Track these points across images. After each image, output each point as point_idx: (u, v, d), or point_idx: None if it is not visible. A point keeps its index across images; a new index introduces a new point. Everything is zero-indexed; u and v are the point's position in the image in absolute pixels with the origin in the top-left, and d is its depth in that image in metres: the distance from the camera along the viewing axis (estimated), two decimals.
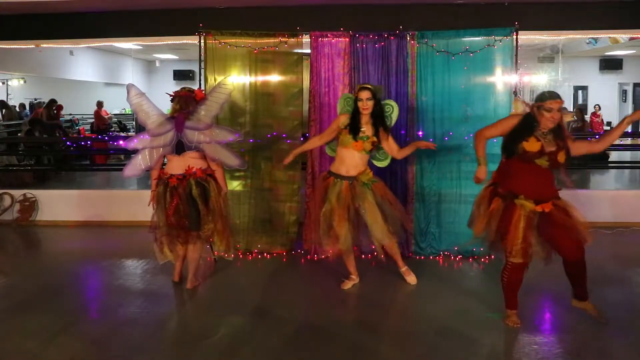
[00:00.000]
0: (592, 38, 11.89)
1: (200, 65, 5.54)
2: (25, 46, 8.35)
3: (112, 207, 6.81)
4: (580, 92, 17.61)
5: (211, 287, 4.75)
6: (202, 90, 4.46)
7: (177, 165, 4.30)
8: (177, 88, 4.61)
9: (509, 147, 3.61)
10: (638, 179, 9.17)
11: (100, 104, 13.54)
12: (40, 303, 4.27)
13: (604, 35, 9.60)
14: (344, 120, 4.38)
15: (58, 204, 6.98)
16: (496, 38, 5.29)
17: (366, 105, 4.29)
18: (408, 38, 5.37)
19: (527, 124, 3.58)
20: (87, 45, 11.38)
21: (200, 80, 5.55)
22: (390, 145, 4.45)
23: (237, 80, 5.57)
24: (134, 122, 14.85)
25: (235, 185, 5.63)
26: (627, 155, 11.16)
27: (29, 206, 6.94)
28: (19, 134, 10.68)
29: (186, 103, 4.31)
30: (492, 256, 5.19)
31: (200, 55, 5.55)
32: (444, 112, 5.38)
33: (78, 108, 15.17)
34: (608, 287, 4.58)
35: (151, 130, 4.30)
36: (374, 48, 5.40)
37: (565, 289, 4.22)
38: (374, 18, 6.10)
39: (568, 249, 3.59)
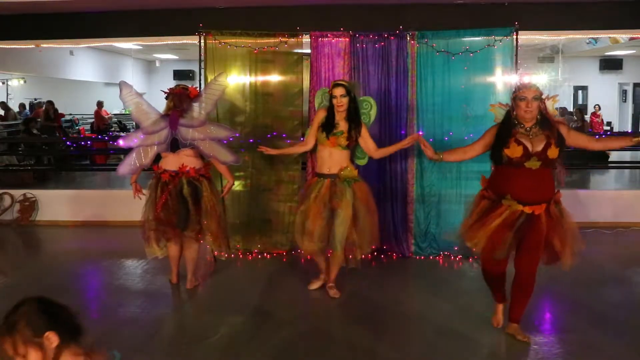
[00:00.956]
0: (592, 38, 11.88)
1: (200, 65, 5.54)
2: (25, 46, 8.36)
3: (112, 207, 6.81)
4: (580, 92, 17.61)
5: (211, 287, 4.75)
6: (196, 88, 4.46)
7: (171, 162, 4.31)
8: None
9: (494, 157, 3.44)
10: (638, 179, 9.18)
11: (100, 104, 13.55)
12: None
13: (604, 35, 9.60)
14: (322, 115, 4.28)
15: (58, 204, 6.98)
16: (496, 38, 5.29)
17: (340, 102, 4.18)
18: (408, 38, 5.37)
19: (504, 126, 3.40)
20: (87, 45, 11.39)
21: (200, 80, 5.55)
22: (367, 143, 4.30)
23: (237, 80, 5.58)
24: (134, 122, 14.84)
25: (235, 185, 5.62)
26: (627, 155, 11.16)
27: (29, 206, 6.94)
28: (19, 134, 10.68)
29: (180, 101, 4.32)
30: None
31: (200, 55, 5.55)
32: (444, 112, 5.37)
33: (78, 108, 15.17)
34: (608, 287, 4.58)
35: (146, 128, 4.31)
36: (374, 48, 5.40)
37: (566, 289, 4.23)
38: (374, 18, 6.09)
39: (521, 259, 3.38)
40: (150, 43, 10.00)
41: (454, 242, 5.19)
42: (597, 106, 14.99)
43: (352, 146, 4.29)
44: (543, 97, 3.36)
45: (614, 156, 9.68)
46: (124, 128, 14.75)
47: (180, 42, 7.21)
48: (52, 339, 1.64)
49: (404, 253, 5.43)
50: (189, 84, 5.06)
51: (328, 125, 4.21)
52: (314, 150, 4.49)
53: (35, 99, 14.18)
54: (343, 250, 4.20)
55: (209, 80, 5.48)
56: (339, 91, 4.18)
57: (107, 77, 15.57)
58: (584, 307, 4.10)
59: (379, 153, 4.37)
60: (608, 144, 3.63)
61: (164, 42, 8.28)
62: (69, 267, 5.24)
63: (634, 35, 8.77)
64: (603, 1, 6.18)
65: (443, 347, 3.54)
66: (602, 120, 14.83)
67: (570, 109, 14.72)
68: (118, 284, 4.75)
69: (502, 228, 3.29)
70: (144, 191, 4.44)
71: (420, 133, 4.55)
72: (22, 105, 14.01)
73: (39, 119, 11.24)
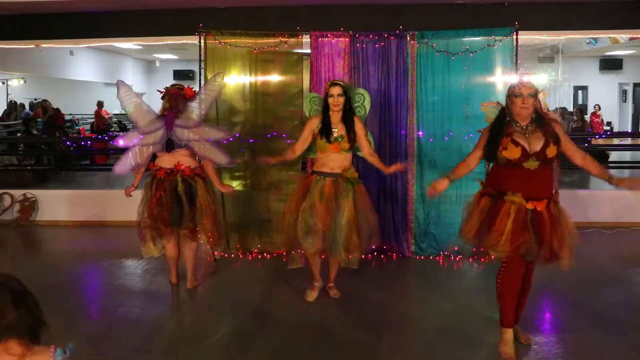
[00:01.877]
0: (592, 38, 11.88)
1: (200, 65, 5.54)
2: (25, 46, 8.35)
3: (112, 207, 6.81)
4: (580, 92, 17.61)
5: (211, 287, 4.75)
6: (192, 88, 4.48)
7: (167, 161, 4.33)
8: None
9: (489, 157, 3.32)
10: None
11: (100, 104, 13.55)
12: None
13: (604, 35, 9.60)
14: (316, 123, 4.13)
15: (58, 204, 6.98)
16: (496, 38, 5.29)
17: (337, 101, 4.05)
18: (408, 38, 5.37)
19: (497, 125, 3.29)
20: (87, 45, 11.39)
21: (200, 80, 5.55)
22: (361, 143, 4.17)
23: (237, 80, 5.58)
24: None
25: (235, 185, 5.63)
26: (627, 155, 11.16)
27: (29, 206, 6.94)
28: (18, 134, 10.68)
29: (176, 101, 4.33)
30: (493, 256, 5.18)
31: (200, 55, 5.55)
32: (444, 112, 5.38)
33: (78, 108, 15.17)
34: (608, 287, 4.58)
35: (142, 128, 4.32)
36: (374, 48, 5.40)
37: (566, 289, 4.23)
38: (374, 18, 6.09)
39: (540, 256, 3.22)
40: (150, 43, 10.01)
41: (456, 243, 5.19)
42: (597, 106, 15.00)
43: (354, 146, 4.19)
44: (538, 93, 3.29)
45: (614, 156, 9.68)
46: (124, 128, 14.74)
47: (180, 42, 7.21)
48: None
49: (404, 253, 5.43)
50: (189, 84, 5.07)
51: (326, 130, 4.07)
52: (309, 152, 4.42)
53: (35, 99, 14.18)
54: (345, 251, 4.06)
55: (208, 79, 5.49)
56: (336, 90, 4.06)
57: (107, 77, 15.57)
58: (584, 307, 4.10)
59: (372, 159, 4.24)
60: (588, 166, 3.32)
61: (164, 42, 8.28)
62: (69, 267, 5.24)
63: (634, 35, 8.77)
64: (603, 1, 6.18)
65: (443, 347, 3.54)
66: (602, 120, 14.83)
67: (570, 109, 14.71)
68: (118, 284, 4.75)
69: (518, 227, 3.14)
70: (140, 191, 4.45)
71: (400, 166, 4.33)
72: (21, 105, 14.01)
73: (39, 119, 11.25)
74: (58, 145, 9.24)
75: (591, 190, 7.88)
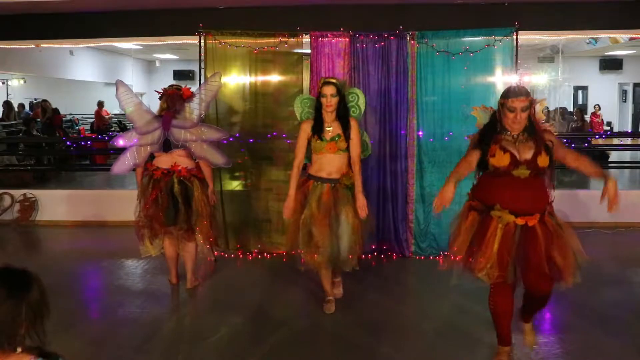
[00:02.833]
0: (592, 38, 11.87)
1: (200, 65, 5.54)
2: (25, 46, 8.35)
3: (112, 207, 6.80)
4: (580, 92, 17.59)
5: (211, 287, 4.75)
6: (189, 88, 4.49)
7: (164, 161, 4.34)
8: None
9: (480, 166, 3.12)
10: (638, 179, 9.17)
11: (100, 104, 13.54)
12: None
13: (604, 35, 9.59)
14: (310, 125, 3.94)
15: (58, 204, 6.98)
16: (496, 38, 5.30)
17: (330, 102, 3.84)
18: (408, 38, 5.37)
19: (487, 131, 3.12)
20: (87, 45, 11.37)
21: (200, 80, 5.55)
22: (353, 147, 3.91)
23: (237, 80, 5.58)
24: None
25: (235, 185, 5.63)
26: (627, 155, 11.16)
27: (29, 206, 6.94)
28: (19, 134, 10.67)
29: (173, 102, 4.35)
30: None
31: (200, 55, 5.55)
32: (444, 112, 5.38)
33: (78, 108, 15.15)
34: (608, 287, 4.58)
35: (139, 129, 4.33)
36: (374, 48, 5.40)
37: (565, 289, 4.22)
38: (374, 18, 6.09)
39: (531, 277, 3.01)
40: (150, 43, 9.99)
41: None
42: (597, 106, 14.98)
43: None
44: (535, 101, 3.10)
45: (614, 156, 9.68)
46: (124, 128, 14.72)
47: (180, 42, 7.20)
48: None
49: (404, 253, 5.43)
50: (189, 84, 5.07)
51: (319, 130, 3.89)
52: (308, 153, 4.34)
53: (35, 99, 14.16)
54: (349, 257, 3.92)
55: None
56: (329, 90, 3.84)
57: (107, 77, 15.55)
58: (584, 307, 4.10)
59: (356, 166, 3.92)
60: (582, 167, 3.09)
61: (164, 42, 8.27)
62: (69, 267, 5.24)
63: (634, 35, 8.76)
64: (603, 1, 6.18)
65: (443, 347, 3.55)
66: (602, 120, 14.82)
67: (570, 109, 14.70)
68: (118, 284, 4.75)
69: (504, 249, 2.97)
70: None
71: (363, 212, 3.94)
72: (21, 105, 14.00)
73: (39, 119, 11.24)
74: (58, 145, 9.23)
75: (591, 190, 7.86)
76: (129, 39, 8.39)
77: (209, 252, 4.91)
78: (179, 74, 17.69)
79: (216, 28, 5.55)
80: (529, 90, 3.05)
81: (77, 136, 12.10)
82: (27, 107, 13.98)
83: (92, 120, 14.00)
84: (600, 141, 10.56)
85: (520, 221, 2.97)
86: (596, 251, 5.43)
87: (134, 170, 4.47)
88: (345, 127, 3.91)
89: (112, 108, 15.38)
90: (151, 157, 4.40)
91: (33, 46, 8.06)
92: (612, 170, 9.41)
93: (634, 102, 17.59)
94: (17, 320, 1.56)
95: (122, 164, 4.42)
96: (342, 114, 3.93)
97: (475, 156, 3.13)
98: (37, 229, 6.80)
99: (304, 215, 3.86)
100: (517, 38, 5.33)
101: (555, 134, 3.35)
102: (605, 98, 16.62)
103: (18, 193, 7.01)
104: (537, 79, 13.11)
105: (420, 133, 5.41)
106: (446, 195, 3.01)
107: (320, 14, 6.11)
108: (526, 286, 3.09)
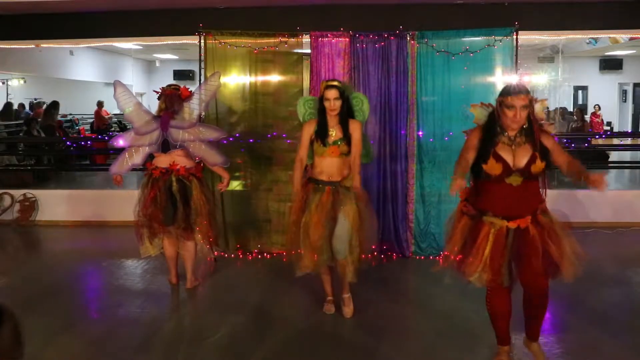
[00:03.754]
0: (592, 38, 11.87)
1: (200, 65, 5.54)
2: (25, 46, 8.35)
3: (111, 207, 6.81)
4: (580, 92, 17.59)
5: (211, 287, 4.75)
6: (188, 88, 4.50)
7: (163, 161, 4.35)
8: None
9: (473, 169, 3.04)
10: (638, 179, 9.17)
11: (100, 104, 13.54)
12: (40, 303, 4.27)
13: (604, 35, 9.59)
14: (313, 126, 3.86)
15: (58, 204, 6.98)
16: (496, 38, 5.30)
17: (333, 105, 3.77)
18: (408, 38, 5.37)
19: (487, 134, 3.02)
20: (87, 45, 11.37)
21: (200, 80, 5.55)
22: (354, 145, 3.84)
23: (237, 80, 5.58)
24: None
25: (235, 185, 5.63)
26: (627, 155, 11.16)
27: (29, 206, 6.94)
28: (20, 134, 10.66)
29: (171, 102, 4.36)
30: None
31: (200, 55, 5.55)
32: (444, 112, 5.38)
33: (78, 108, 15.15)
34: (608, 287, 4.58)
35: (138, 129, 4.34)
36: (374, 48, 5.40)
37: (565, 289, 4.22)
38: (374, 18, 6.09)
39: (528, 276, 2.99)
40: (150, 43, 9.99)
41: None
42: (597, 106, 14.99)
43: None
44: (535, 100, 3.04)
45: (614, 156, 9.68)
46: (124, 128, 14.70)
47: (180, 42, 7.21)
48: None
49: (404, 253, 5.43)
50: (189, 84, 5.07)
51: (322, 134, 3.81)
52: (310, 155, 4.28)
53: (35, 99, 14.16)
54: (348, 260, 3.85)
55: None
56: (332, 94, 3.77)
57: (107, 77, 15.54)
58: (584, 307, 4.11)
59: (356, 161, 3.86)
60: (571, 169, 3.04)
61: (164, 42, 8.27)
62: (69, 267, 5.24)
63: (634, 35, 8.76)
64: (603, 1, 6.18)
65: (443, 347, 3.54)
66: (602, 120, 14.83)
67: (570, 109, 14.70)
68: (118, 284, 4.75)
69: (497, 253, 2.97)
70: (137, 190, 4.48)
71: None
72: (21, 105, 14.00)
73: (40, 119, 11.22)
74: (58, 145, 9.23)
75: (591, 190, 7.87)
76: (129, 39, 8.39)
77: (208, 251, 4.92)
78: (179, 74, 17.68)
79: (216, 28, 5.55)
80: (528, 88, 2.99)
81: (77, 136, 12.09)
82: (27, 107, 13.98)
83: (92, 120, 13.99)
84: (600, 141, 10.57)
85: (512, 225, 2.96)
86: (596, 251, 5.43)
87: (133, 170, 4.48)
88: (347, 130, 3.84)
89: (112, 108, 15.38)
90: (150, 156, 4.41)
91: (33, 46, 8.06)
92: (612, 171, 9.44)
93: (634, 102, 17.58)
94: None
95: (121, 165, 4.43)
96: (345, 118, 3.86)
97: (471, 155, 3.04)
98: (37, 229, 6.80)
99: (304, 219, 3.80)
100: (517, 38, 5.33)
101: (553, 132, 3.28)
102: (605, 98, 16.61)
103: (18, 193, 7.01)
104: (537, 79, 13.11)
105: (420, 133, 5.41)
106: (458, 185, 2.89)
107: (320, 14, 6.11)
108: (523, 285, 3.06)
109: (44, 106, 12.11)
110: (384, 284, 4.68)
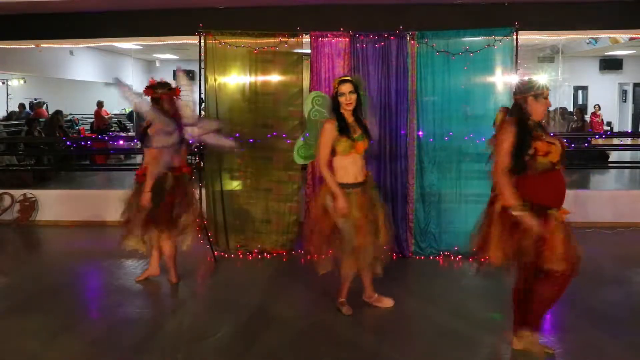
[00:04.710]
0: (592, 38, 11.88)
1: (200, 65, 5.54)
2: (25, 46, 8.35)
3: (112, 207, 6.76)
4: (580, 92, 17.59)
5: (211, 287, 4.75)
6: (177, 87, 4.54)
7: (176, 161, 4.39)
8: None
9: (520, 166, 3.05)
10: (638, 179, 9.17)
11: (100, 104, 13.54)
12: (40, 303, 4.27)
13: (604, 35, 9.60)
14: (335, 125, 3.74)
15: (58, 204, 6.99)
16: (496, 38, 5.29)
17: (349, 99, 3.72)
18: (408, 38, 5.37)
19: (523, 129, 3.07)
20: (87, 45, 11.38)
21: (200, 80, 5.55)
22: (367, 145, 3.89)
23: (237, 80, 5.58)
24: (134, 122, 14.85)
25: (235, 185, 5.63)
26: (627, 155, 11.16)
27: (29, 206, 6.94)
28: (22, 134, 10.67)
29: (173, 104, 4.40)
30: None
31: (200, 55, 5.54)
32: (444, 112, 5.38)
33: (78, 108, 15.15)
34: (608, 287, 4.58)
35: (161, 130, 4.25)
36: (374, 48, 5.40)
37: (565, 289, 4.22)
38: (374, 18, 6.10)
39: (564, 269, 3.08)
40: (150, 43, 9.98)
41: (456, 243, 5.22)
42: (597, 106, 14.99)
43: None
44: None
45: (614, 156, 9.69)
46: (124, 128, 14.74)
47: (180, 42, 7.21)
48: None
49: (404, 253, 5.43)
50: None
51: (347, 129, 3.73)
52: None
53: (35, 99, 14.17)
54: (371, 264, 3.91)
55: (209, 80, 5.49)
56: (347, 87, 3.72)
57: (107, 77, 15.52)
58: (584, 307, 4.10)
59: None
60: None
61: (164, 42, 8.27)
62: (69, 267, 5.24)
63: (634, 35, 8.77)
64: (603, 1, 6.18)
65: (443, 347, 3.54)
66: (602, 120, 14.83)
67: (570, 109, 14.71)
68: (118, 284, 4.75)
69: (567, 240, 3.05)
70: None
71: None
72: (22, 105, 14.01)
73: (42, 119, 11.23)
74: (58, 145, 9.23)
75: (591, 190, 7.89)
76: (129, 39, 8.40)
77: (209, 251, 4.92)
78: None
79: (216, 28, 5.54)
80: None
81: (77, 136, 12.09)
82: (27, 107, 13.99)
83: (92, 120, 14.00)
84: (600, 141, 10.58)
85: (563, 214, 3.06)
86: (596, 251, 5.44)
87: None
88: (363, 125, 3.82)
89: (112, 108, 15.40)
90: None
91: (33, 46, 8.05)
92: (612, 170, 9.44)
93: (634, 102, 17.59)
94: None
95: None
96: (358, 113, 3.82)
97: (508, 159, 3.06)
98: (37, 229, 6.80)
99: (347, 225, 3.71)
100: (517, 38, 5.33)
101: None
102: (605, 98, 16.62)
103: (18, 193, 7.01)
104: (537, 79, 13.09)
105: (420, 133, 5.41)
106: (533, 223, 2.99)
107: (320, 14, 6.12)
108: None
109: (48, 113, 12.09)
110: (384, 284, 4.68)
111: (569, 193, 3.24)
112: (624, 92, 17.70)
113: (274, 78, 5.56)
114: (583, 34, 7.73)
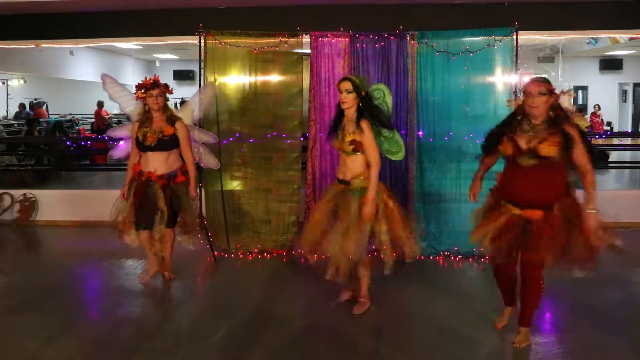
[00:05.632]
0: (592, 38, 11.89)
1: (200, 65, 5.54)
2: (25, 46, 8.36)
3: (112, 207, 6.79)
4: (580, 92, 17.60)
5: (211, 287, 4.75)
6: (167, 85, 4.55)
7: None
8: (178, 88, 4.69)
9: (488, 149, 3.40)
10: (638, 179, 9.17)
11: (100, 104, 13.55)
12: (40, 303, 4.27)
13: (604, 35, 9.60)
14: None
15: (58, 204, 6.98)
16: (496, 38, 5.29)
17: (345, 98, 3.73)
18: (408, 38, 5.37)
19: (506, 120, 3.32)
20: (87, 45, 11.40)
21: (200, 80, 5.55)
22: (367, 148, 3.74)
23: (237, 80, 5.58)
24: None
25: (235, 185, 5.63)
26: (627, 155, 11.16)
27: (29, 206, 6.94)
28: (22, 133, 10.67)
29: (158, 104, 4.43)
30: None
31: (200, 55, 5.54)
32: (443, 112, 5.38)
33: (78, 108, 15.16)
34: (608, 287, 4.57)
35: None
36: (374, 48, 5.40)
37: (566, 289, 4.22)
38: (374, 18, 6.10)
39: (522, 262, 3.29)
40: (150, 43, 10.00)
41: (455, 243, 5.23)
42: (597, 106, 15.00)
43: (360, 151, 3.78)
44: (557, 92, 3.20)
45: (614, 156, 9.68)
46: None
47: (180, 42, 7.21)
48: None
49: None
50: (189, 83, 5.09)
51: (334, 125, 3.89)
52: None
53: (35, 99, 14.18)
54: (362, 263, 3.94)
55: (207, 80, 5.48)
56: (344, 85, 3.74)
57: None
58: (584, 307, 4.11)
59: (371, 169, 3.75)
60: (587, 183, 3.26)
61: (164, 42, 8.28)
62: (69, 267, 5.24)
63: (634, 35, 8.77)
64: (603, 1, 6.18)
65: (443, 347, 3.54)
66: (602, 120, 14.84)
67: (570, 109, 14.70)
68: (118, 284, 4.75)
69: (503, 231, 3.23)
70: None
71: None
72: (22, 105, 14.01)
73: (42, 119, 11.23)
74: (58, 145, 9.23)
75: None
76: (129, 39, 8.41)
77: (209, 251, 4.92)
78: (179, 74, 17.69)
79: (216, 28, 5.54)
80: (549, 81, 3.21)
81: (77, 136, 12.09)
82: (27, 107, 14.00)
83: (92, 120, 14.00)
84: (600, 141, 10.56)
85: (524, 213, 3.19)
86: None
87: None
88: (357, 130, 3.74)
89: (112, 108, 15.39)
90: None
91: (33, 46, 8.07)
92: (612, 170, 9.43)
93: (634, 102, 17.59)
94: None
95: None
96: (358, 116, 3.75)
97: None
98: (37, 229, 6.79)
99: (315, 217, 3.95)
100: (517, 38, 5.32)
101: (586, 125, 3.45)
102: (605, 98, 16.63)
103: (18, 193, 7.01)
104: (537, 77, 13.10)
105: (420, 133, 5.41)
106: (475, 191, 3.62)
107: (320, 14, 6.12)
108: (520, 268, 3.36)
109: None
110: (384, 284, 4.68)
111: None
112: (624, 92, 17.71)
113: (274, 78, 5.56)
114: (583, 34, 7.74)
